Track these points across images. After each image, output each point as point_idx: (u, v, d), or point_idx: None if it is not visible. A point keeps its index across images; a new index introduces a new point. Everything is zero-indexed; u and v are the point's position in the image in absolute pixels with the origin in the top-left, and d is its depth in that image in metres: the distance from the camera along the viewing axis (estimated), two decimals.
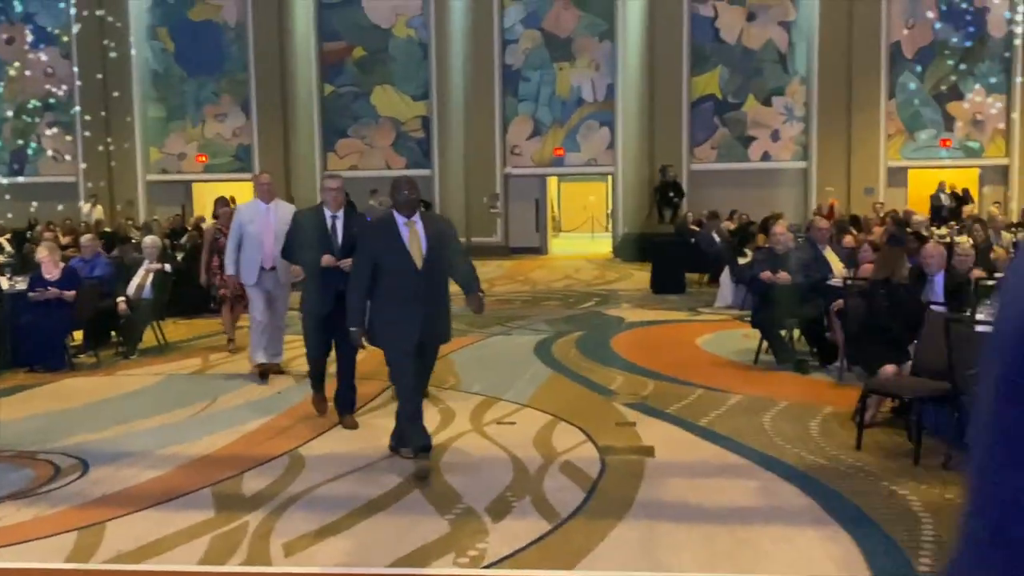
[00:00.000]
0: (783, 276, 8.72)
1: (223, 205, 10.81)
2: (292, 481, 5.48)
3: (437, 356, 5.85)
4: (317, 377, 6.87)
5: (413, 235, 5.45)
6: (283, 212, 7.93)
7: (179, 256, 12.76)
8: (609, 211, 24.84)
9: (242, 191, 22.79)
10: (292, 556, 4.42)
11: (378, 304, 5.49)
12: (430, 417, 6.31)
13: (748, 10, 21.69)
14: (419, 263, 5.41)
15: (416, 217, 5.52)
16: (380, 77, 22.76)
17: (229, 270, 8.29)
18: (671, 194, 20.49)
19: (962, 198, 20.09)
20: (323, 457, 5.94)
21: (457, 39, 21.84)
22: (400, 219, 5.48)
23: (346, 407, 6.67)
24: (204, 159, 23.31)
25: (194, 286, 10.33)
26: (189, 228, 17.69)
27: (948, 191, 20.06)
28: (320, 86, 22.69)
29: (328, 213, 6.65)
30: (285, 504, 5.10)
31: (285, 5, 22.17)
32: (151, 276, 10.31)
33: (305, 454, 6.03)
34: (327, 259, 6.46)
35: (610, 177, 23.05)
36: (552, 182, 24.53)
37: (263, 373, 8.27)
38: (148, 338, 10.07)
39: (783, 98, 21.76)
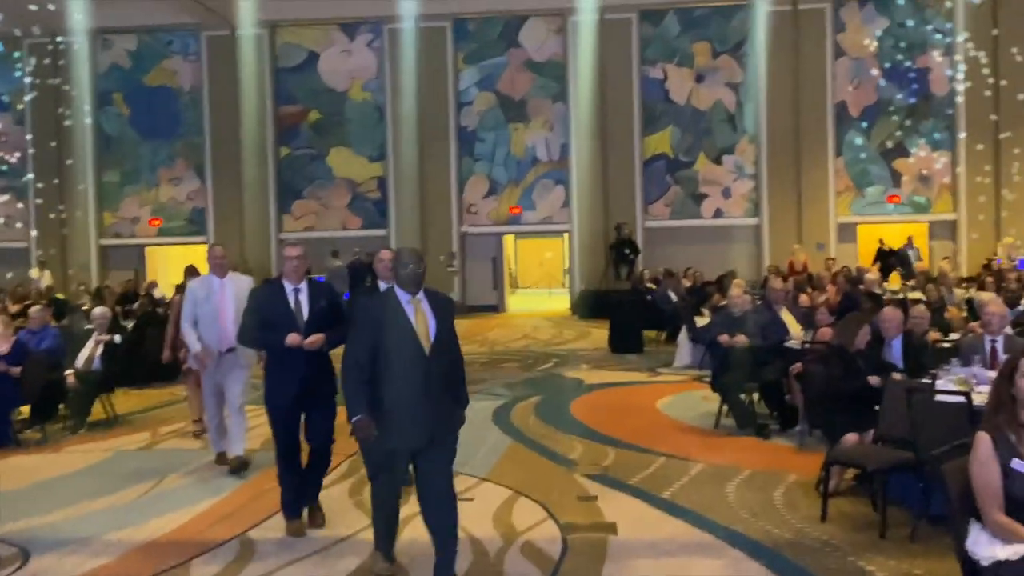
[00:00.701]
0: (741, 339, 8.72)
1: (193, 274, 10.06)
2: (242, 569, 5.27)
3: (456, 448, 4.86)
4: (289, 488, 5.86)
5: (419, 315, 4.71)
6: (240, 287, 7.23)
7: (130, 325, 12.45)
8: (566, 268, 24.93)
9: (196, 255, 22.58)
10: None
11: (374, 396, 4.67)
12: None
13: (696, 72, 22.11)
14: (427, 347, 4.65)
15: (421, 295, 4.77)
16: (336, 139, 22.79)
17: (195, 347, 7.32)
18: (627, 251, 20.64)
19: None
20: (275, 542, 5.72)
21: (412, 101, 21.96)
22: (403, 296, 4.72)
23: (309, 499, 6.01)
24: (158, 223, 23.09)
25: (147, 356, 10.07)
26: (141, 294, 17.39)
27: (915, 246, 20.23)
28: (276, 149, 22.65)
29: (289, 286, 5.85)
30: None
31: (241, 70, 22.16)
32: (100, 347, 10.06)
33: (256, 538, 5.81)
34: (292, 338, 5.66)
35: (566, 234, 23.17)
36: (509, 239, 24.59)
37: (236, 463, 7.34)
38: (97, 411, 9.78)
39: (733, 156, 22.10)
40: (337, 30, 22.76)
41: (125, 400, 10.76)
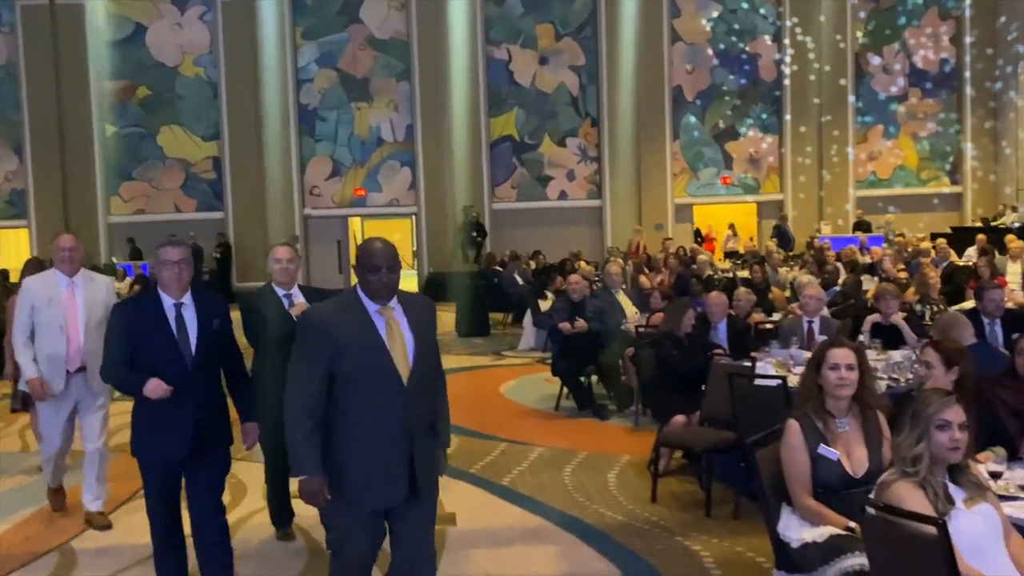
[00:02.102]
0: (580, 325, 8.91)
1: (36, 268, 8.42)
2: None
3: (436, 511, 3.82)
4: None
5: (392, 328, 3.52)
6: (95, 291, 5.77)
7: None
8: (414, 250, 24.81)
9: (17, 240, 21.21)
10: None
11: (334, 441, 3.50)
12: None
13: (540, 54, 22.33)
14: (404, 374, 3.49)
15: (395, 302, 3.56)
16: (167, 117, 21.76)
17: (29, 371, 5.66)
18: (474, 233, 20.71)
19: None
20: (98, 551, 5.45)
21: (248, 78, 21.26)
22: (371, 306, 3.51)
23: None
24: None
25: None
26: None
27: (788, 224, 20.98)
28: (101, 127, 21.43)
29: (168, 301, 4.31)
30: None
31: (61, 42, 20.84)
32: None
33: (77, 547, 5.53)
34: (154, 388, 4.17)
35: (413, 216, 23.04)
36: (355, 222, 24.25)
37: (97, 521, 5.81)
38: None
39: (577, 139, 22.49)
40: (166, 2, 21.66)
41: None
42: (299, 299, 5.24)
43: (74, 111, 20.94)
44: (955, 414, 3.12)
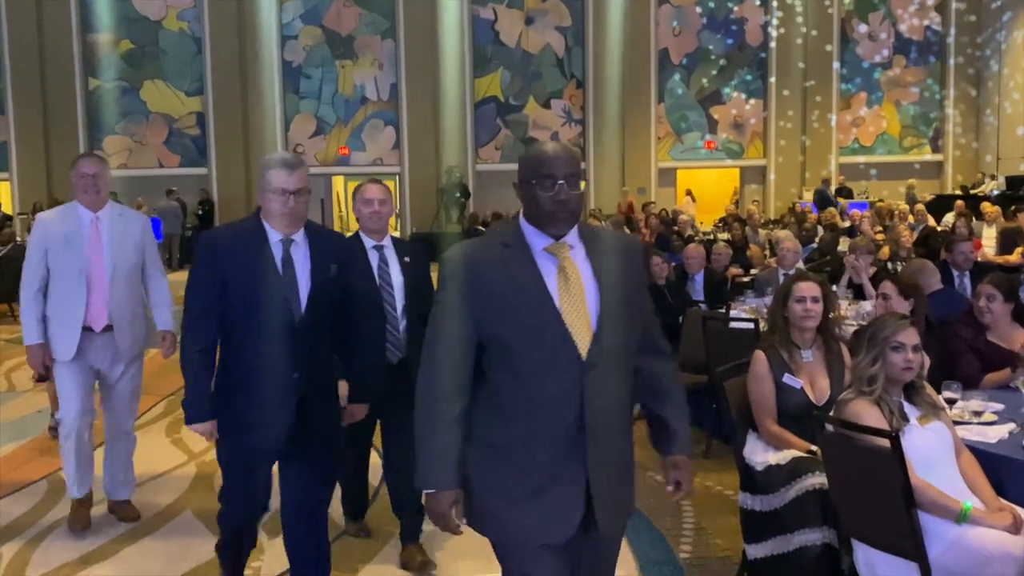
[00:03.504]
0: None
1: (4, 222, 7.69)
2: (52, 507, 5.13)
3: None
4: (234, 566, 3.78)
5: (569, 276, 2.46)
6: (127, 228, 4.62)
7: None
8: (397, 211, 24.84)
9: (1, 192, 21.11)
10: None
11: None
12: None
13: (526, 14, 22.28)
14: (584, 343, 2.44)
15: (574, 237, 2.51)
16: (150, 71, 21.61)
17: (29, 334, 4.52)
18: (458, 194, 20.78)
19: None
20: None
21: (232, 33, 21.13)
22: (538, 241, 2.48)
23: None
24: None
25: None
26: None
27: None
28: (84, 80, 21.28)
29: (275, 236, 3.34)
30: (44, 532, 4.77)
31: None
32: None
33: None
34: None
35: (397, 177, 23.05)
36: (338, 181, 24.25)
37: (127, 514, 4.91)
38: None
39: (561, 101, 22.51)
40: None
41: None
42: (390, 253, 4.12)
43: (57, 64, 20.78)
44: (909, 336, 3.28)
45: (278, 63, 21.70)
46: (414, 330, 3.94)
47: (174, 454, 6.10)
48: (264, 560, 4.36)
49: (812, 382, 3.96)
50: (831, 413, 3.39)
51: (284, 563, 4.28)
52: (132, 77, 21.56)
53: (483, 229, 17.76)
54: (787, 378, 3.93)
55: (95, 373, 4.68)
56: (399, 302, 4.06)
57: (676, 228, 13.36)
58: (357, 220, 4.15)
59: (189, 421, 3.39)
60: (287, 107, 21.96)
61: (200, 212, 20.86)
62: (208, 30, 21.33)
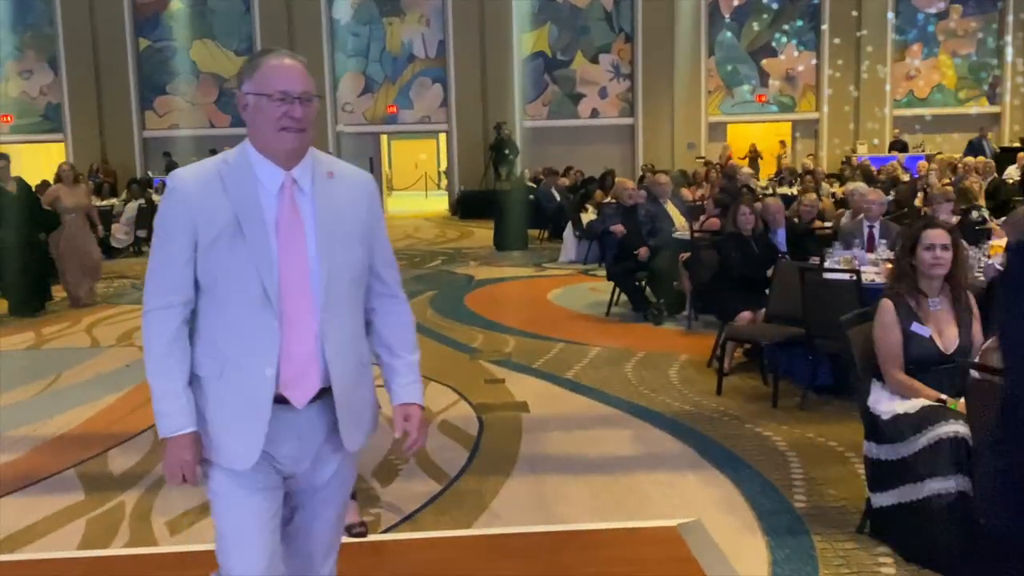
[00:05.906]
0: (618, 228, 9.07)
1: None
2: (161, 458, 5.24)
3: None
4: None
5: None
6: (350, 199, 2.46)
7: None
8: (444, 169, 24.81)
9: (49, 155, 21.31)
10: (178, 534, 4.24)
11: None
12: None
13: None
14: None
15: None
16: (199, 31, 21.66)
17: (173, 418, 2.31)
18: (506, 151, 20.66)
19: None
20: None
21: None
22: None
23: None
24: (9, 120, 21.57)
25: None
26: None
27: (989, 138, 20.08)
28: (135, 40, 21.37)
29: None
30: (159, 481, 4.86)
31: None
32: None
33: None
34: None
35: (444, 135, 22.99)
36: (383, 140, 24.22)
37: None
38: None
39: (610, 56, 22.24)
40: None
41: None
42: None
43: (107, 24, 20.89)
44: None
45: (326, 21, 21.61)
46: None
47: None
48: (381, 508, 4.43)
49: (940, 331, 3.92)
50: (976, 360, 3.36)
51: (400, 511, 4.34)
52: (181, 36, 21.62)
53: (534, 186, 17.70)
54: (915, 326, 3.90)
55: (280, 483, 2.44)
56: None
57: (738, 180, 13.21)
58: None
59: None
60: (335, 66, 21.92)
61: None
62: None
